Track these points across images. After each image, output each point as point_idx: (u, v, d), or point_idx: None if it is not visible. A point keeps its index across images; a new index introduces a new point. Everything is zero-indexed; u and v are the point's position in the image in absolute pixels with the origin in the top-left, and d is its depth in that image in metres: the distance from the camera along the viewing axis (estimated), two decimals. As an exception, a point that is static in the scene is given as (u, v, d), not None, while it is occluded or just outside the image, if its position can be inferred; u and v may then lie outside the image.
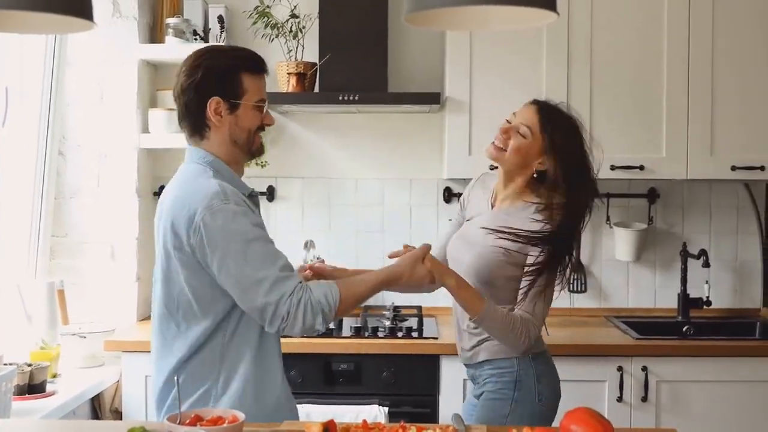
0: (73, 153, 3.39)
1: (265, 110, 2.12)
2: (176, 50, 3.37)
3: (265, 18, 3.41)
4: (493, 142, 2.36)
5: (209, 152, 2.08)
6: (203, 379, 2.05)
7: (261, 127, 2.13)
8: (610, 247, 3.61)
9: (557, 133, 2.31)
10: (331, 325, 3.14)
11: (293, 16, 3.43)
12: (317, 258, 3.36)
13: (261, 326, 2.04)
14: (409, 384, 3.00)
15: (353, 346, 3.03)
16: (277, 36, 3.43)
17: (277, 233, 3.44)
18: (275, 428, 1.96)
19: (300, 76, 3.36)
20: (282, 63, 3.41)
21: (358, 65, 3.34)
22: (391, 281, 2.15)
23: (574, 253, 2.32)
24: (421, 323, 3.22)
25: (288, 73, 3.38)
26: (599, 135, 3.23)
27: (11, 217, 3.17)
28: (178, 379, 1.92)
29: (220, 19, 3.46)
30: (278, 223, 3.62)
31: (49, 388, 2.77)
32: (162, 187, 3.56)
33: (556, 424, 2.09)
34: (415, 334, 3.12)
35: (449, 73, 3.29)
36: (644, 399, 3.00)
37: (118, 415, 3.12)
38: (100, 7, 3.31)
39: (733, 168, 3.24)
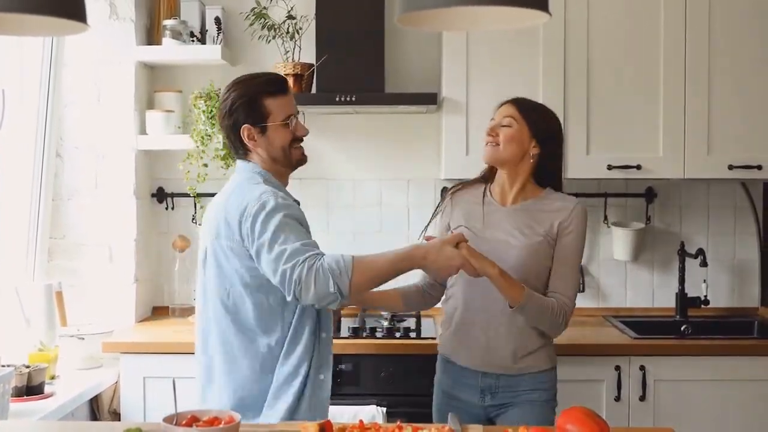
0: (71, 154, 3.40)
1: (294, 123, 2.27)
2: (173, 52, 3.38)
3: (262, 19, 3.41)
4: (486, 145, 2.47)
5: (256, 164, 2.28)
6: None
7: (296, 139, 2.29)
8: (607, 246, 3.61)
9: (534, 113, 2.47)
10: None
11: (290, 17, 3.43)
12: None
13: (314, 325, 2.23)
14: (407, 384, 3.00)
15: (351, 347, 3.03)
16: (274, 37, 3.43)
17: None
18: (273, 428, 1.97)
19: (297, 77, 3.36)
20: (279, 64, 3.41)
21: (355, 66, 3.34)
22: (414, 259, 2.16)
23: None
24: (419, 324, 3.23)
25: (285, 74, 3.38)
26: (596, 134, 3.25)
27: (9, 218, 3.17)
28: (174, 383, 1.92)
29: (217, 20, 3.47)
30: (276, 224, 3.62)
31: (47, 389, 2.77)
32: (160, 188, 3.59)
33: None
34: (413, 335, 3.12)
35: (446, 74, 3.29)
36: (642, 398, 3.00)
37: (116, 416, 3.12)
38: (96, 9, 3.32)
39: (731, 167, 3.24)
